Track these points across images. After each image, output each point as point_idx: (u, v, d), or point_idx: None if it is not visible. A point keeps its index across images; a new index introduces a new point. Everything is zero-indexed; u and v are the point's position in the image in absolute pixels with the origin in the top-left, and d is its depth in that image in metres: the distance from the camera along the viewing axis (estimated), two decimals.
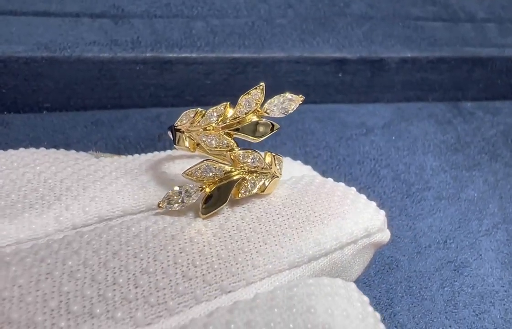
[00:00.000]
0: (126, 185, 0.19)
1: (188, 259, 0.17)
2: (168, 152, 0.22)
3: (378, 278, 0.28)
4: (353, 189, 0.20)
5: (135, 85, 0.33)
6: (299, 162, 0.24)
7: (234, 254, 0.17)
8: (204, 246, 0.17)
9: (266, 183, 0.19)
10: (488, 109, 0.39)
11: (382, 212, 0.20)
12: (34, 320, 0.15)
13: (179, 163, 0.21)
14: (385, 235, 0.20)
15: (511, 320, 0.27)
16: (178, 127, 0.19)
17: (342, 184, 0.21)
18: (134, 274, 0.16)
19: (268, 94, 0.19)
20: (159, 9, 0.35)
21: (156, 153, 0.22)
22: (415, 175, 0.33)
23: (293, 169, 0.22)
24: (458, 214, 0.31)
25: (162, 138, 0.31)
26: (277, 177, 0.19)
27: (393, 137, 0.35)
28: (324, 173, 0.32)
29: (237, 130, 0.18)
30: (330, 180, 0.21)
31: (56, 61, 0.31)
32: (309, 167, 0.24)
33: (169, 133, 0.19)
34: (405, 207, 0.31)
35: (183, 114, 0.19)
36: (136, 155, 0.22)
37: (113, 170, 0.20)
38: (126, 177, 0.20)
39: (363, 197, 0.20)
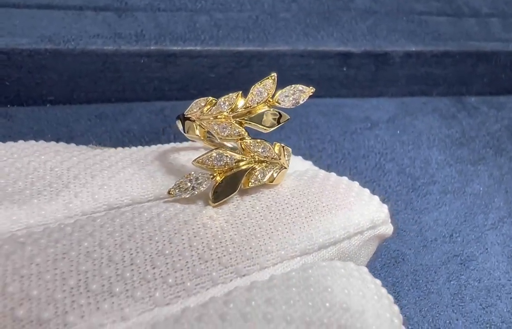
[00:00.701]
0: (134, 174, 0.19)
1: (203, 242, 0.17)
2: (172, 144, 0.22)
3: (384, 271, 0.27)
4: (356, 183, 0.21)
5: (139, 78, 0.32)
6: (300, 157, 0.24)
7: (247, 239, 0.17)
8: (217, 230, 0.17)
9: (275, 175, 0.19)
10: (493, 104, 0.39)
11: (385, 206, 0.20)
12: (54, 297, 0.15)
13: (184, 154, 0.21)
14: (389, 228, 0.21)
15: None
16: (188, 116, 0.19)
17: (345, 178, 0.21)
18: (150, 255, 0.16)
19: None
20: (163, 3, 0.35)
21: (160, 145, 0.22)
22: (420, 169, 0.33)
23: (295, 164, 0.22)
24: (463, 208, 0.31)
25: (167, 132, 0.31)
26: (285, 168, 0.19)
27: (398, 132, 0.35)
28: (329, 167, 0.32)
29: (248, 119, 0.18)
30: (334, 174, 0.21)
31: (60, 54, 0.30)
32: (309, 163, 0.24)
33: (178, 123, 0.19)
34: (410, 201, 0.31)
35: (193, 102, 0.19)
36: (140, 147, 0.21)
37: (119, 160, 0.20)
38: (133, 167, 0.20)
39: (366, 191, 0.20)
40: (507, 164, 0.34)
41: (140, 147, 0.21)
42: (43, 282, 0.15)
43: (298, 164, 0.23)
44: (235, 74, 0.34)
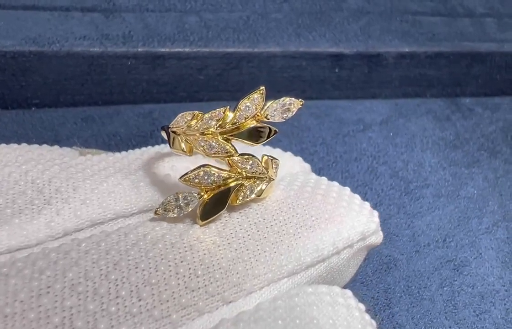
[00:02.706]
0: (117, 185, 0.19)
1: (189, 268, 0.16)
2: (157, 148, 0.22)
3: (376, 277, 0.27)
4: (347, 189, 0.20)
5: (126, 81, 0.32)
6: (289, 153, 0.23)
7: (235, 263, 0.17)
8: (204, 254, 0.17)
9: (263, 187, 0.19)
10: (487, 105, 0.39)
11: (376, 213, 0.20)
12: None
13: (168, 161, 0.21)
14: (379, 237, 0.20)
15: None
16: (174, 129, 0.18)
17: (336, 183, 0.20)
18: (136, 285, 0.16)
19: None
20: (151, 3, 0.34)
21: (144, 149, 0.21)
22: (413, 172, 0.32)
23: (285, 161, 0.22)
24: (457, 212, 0.31)
25: (154, 135, 0.31)
26: (273, 180, 0.19)
27: (391, 134, 0.35)
28: (320, 171, 0.31)
29: (236, 135, 0.18)
30: (324, 179, 0.21)
31: (45, 56, 0.30)
32: (299, 159, 0.23)
33: (163, 134, 0.19)
34: (403, 205, 0.30)
35: (179, 116, 0.18)
36: (124, 153, 0.21)
37: (102, 169, 0.19)
38: (116, 176, 0.19)
39: (357, 197, 0.20)
40: (501, 167, 0.34)
41: (124, 153, 0.21)
42: (27, 321, 0.14)
43: (287, 161, 0.22)
44: (225, 76, 0.33)
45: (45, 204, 0.18)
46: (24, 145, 0.20)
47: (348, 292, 0.17)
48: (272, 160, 0.19)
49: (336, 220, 0.19)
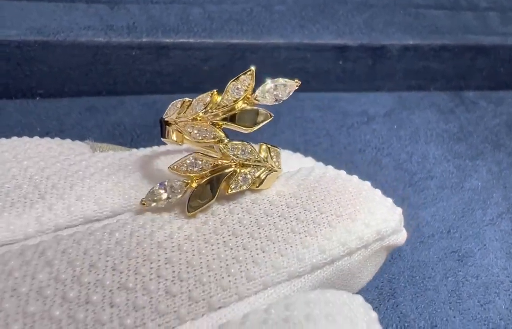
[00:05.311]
0: (117, 183, 0.18)
1: (173, 271, 0.15)
2: (168, 146, 0.21)
3: (381, 267, 0.27)
4: (368, 183, 0.19)
5: (130, 71, 0.32)
6: (298, 154, 0.22)
7: (227, 265, 0.15)
8: (193, 255, 0.16)
9: (262, 177, 0.18)
10: (491, 99, 0.39)
11: (399, 210, 0.18)
12: None
13: (177, 158, 0.19)
14: (400, 237, 0.18)
15: None
16: (166, 119, 0.17)
17: (355, 177, 0.19)
18: (110, 290, 0.14)
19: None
20: None
21: (155, 148, 0.21)
22: (417, 164, 0.32)
23: (292, 163, 0.21)
24: (461, 204, 0.31)
25: (158, 125, 0.30)
26: (275, 171, 0.18)
27: (395, 126, 0.35)
28: (324, 162, 0.31)
29: (227, 119, 0.17)
30: (343, 173, 0.19)
31: (50, 46, 0.30)
32: (310, 159, 0.22)
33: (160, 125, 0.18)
34: (407, 196, 0.30)
35: (170, 104, 0.18)
36: (134, 150, 0.20)
37: (105, 166, 0.18)
38: (118, 175, 0.18)
39: (378, 192, 0.18)
40: (505, 160, 0.34)
41: (134, 150, 0.20)
42: None
43: (295, 163, 0.21)
44: (229, 67, 0.33)
45: (39, 198, 0.17)
46: (35, 138, 0.20)
47: (358, 299, 0.15)
48: (270, 148, 0.18)
49: (349, 217, 0.17)
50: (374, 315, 0.15)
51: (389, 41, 0.36)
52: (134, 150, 0.20)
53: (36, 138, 0.20)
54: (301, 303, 0.14)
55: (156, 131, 0.30)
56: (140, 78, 0.32)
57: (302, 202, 0.17)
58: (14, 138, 0.19)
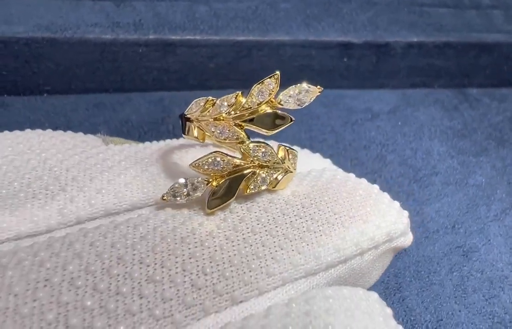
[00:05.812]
0: (135, 177, 0.18)
1: (198, 265, 0.16)
2: (181, 140, 0.21)
3: None
4: (376, 187, 0.19)
5: (137, 68, 0.32)
6: (318, 155, 0.23)
7: (248, 260, 0.16)
8: (215, 250, 0.16)
9: (279, 178, 0.18)
10: (495, 96, 0.39)
11: (406, 214, 0.19)
12: None
13: (192, 152, 0.20)
14: (407, 239, 0.19)
15: None
16: (188, 116, 0.18)
17: (364, 180, 0.19)
18: (139, 282, 0.15)
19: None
20: None
21: (168, 141, 0.21)
22: (422, 160, 0.33)
23: (311, 162, 0.21)
24: (466, 199, 0.31)
25: (165, 122, 0.31)
26: (291, 172, 0.18)
27: (399, 123, 0.35)
28: (330, 158, 0.31)
29: (249, 121, 0.17)
30: (352, 175, 0.20)
31: (57, 42, 0.30)
32: (328, 161, 0.23)
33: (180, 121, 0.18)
34: (412, 192, 0.31)
35: (193, 102, 0.18)
36: (148, 143, 0.20)
37: (122, 159, 0.19)
38: (135, 168, 0.19)
39: (386, 196, 0.19)
40: (509, 156, 0.34)
41: (147, 144, 0.20)
42: (19, 317, 0.14)
43: (314, 163, 0.21)
44: (235, 64, 0.33)
45: (60, 190, 0.17)
46: (48, 131, 0.20)
47: (373, 295, 0.16)
48: (288, 150, 0.18)
49: (361, 218, 0.18)
50: (389, 311, 0.15)
51: (393, 39, 0.36)
52: (148, 143, 0.20)
53: (49, 130, 0.20)
54: (321, 298, 0.15)
55: (163, 127, 0.31)
56: (147, 75, 0.32)
57: (316, 202, 0.18)
58: (28, 130, 0.20)
